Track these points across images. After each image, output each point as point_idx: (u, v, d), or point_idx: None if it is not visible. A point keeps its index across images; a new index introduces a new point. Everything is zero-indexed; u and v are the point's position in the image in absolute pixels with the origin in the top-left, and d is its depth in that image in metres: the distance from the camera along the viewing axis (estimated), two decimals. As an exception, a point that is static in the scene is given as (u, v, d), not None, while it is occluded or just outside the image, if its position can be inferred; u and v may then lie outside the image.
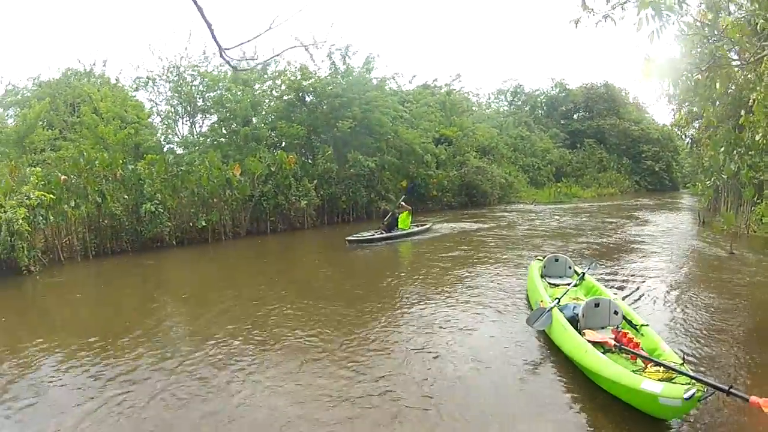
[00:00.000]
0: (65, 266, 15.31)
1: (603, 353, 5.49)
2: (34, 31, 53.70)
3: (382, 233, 18.25)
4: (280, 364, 6.82)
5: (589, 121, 51.11)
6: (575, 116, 52.64)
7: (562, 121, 50.93)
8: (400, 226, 18.89)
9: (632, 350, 5.51)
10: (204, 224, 18.99)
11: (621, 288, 10.08)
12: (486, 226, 21.82)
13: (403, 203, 19.55)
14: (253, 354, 7.21)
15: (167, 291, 12.53)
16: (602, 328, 6.24)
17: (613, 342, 5.65)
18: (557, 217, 25.06)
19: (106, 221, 17.14)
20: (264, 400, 5.73)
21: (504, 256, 14.30)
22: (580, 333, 6.02)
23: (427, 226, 20.37)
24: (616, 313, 6.32)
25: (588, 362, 5.48)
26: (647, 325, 6.18)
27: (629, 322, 6.29)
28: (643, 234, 18.98)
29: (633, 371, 5.07)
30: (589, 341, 5.72)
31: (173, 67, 24.77)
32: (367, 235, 18.09)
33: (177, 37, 51.96)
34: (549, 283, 8.59)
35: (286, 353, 7.19)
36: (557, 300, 6.95)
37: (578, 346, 5.72)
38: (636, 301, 9.15)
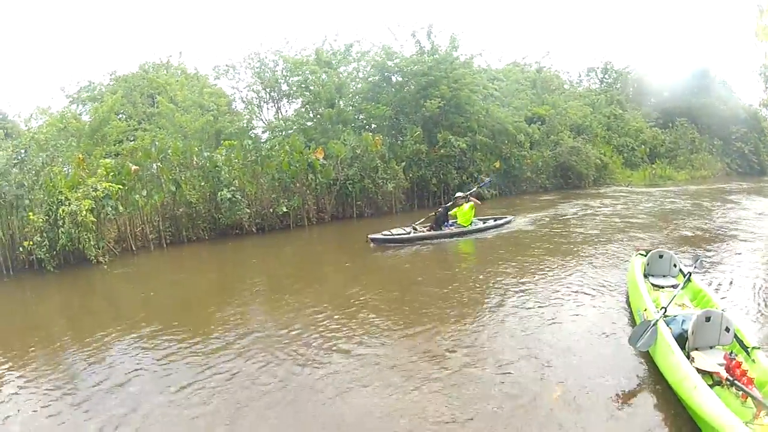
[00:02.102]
0: (137, 256, 15.01)
1: (711, 385, 4.72)
2: (111, 27, 54.49)
3: (419, 230, 14.50)
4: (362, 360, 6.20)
5: (680, 99, 46.82)
6: (665, 93, 48.57)
7: (653, 100, 47.03)
8: (459, 222, 14.96)
9: (744, 388, 4.64)
10: (285, 210, 17.82)
11: (728, 288, 8.62)
12: (586, 211, 19.09)
13: (470, 196, 15.51)
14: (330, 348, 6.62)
15: (243, 279, 11.82)
16: (711, 347, 5.41)
17: (725, 375, 4.81)
18: (659, 202, 21.90)
19: (181, 209, 16.75)
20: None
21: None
22: (687, 354, 5.22)
23: (506, 219, 15.95)
24: (727, 330, 5.38)
25: (695, 402, 4.52)
26: (759, 348, 5.28)
27: (740, 342, 5.40)
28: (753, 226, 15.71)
29: (745, 422, 4.14)
30: (698, 369, 4.89)
31: (254, 53, 23.81)
32: (399, 232, 14.28)
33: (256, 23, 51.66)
34: (652, 284, 7.59)
35: (368, 353, 6.44)
36: (663, 309, 6.00)
37: (685, 377, 4.80)
38: (744, 308, 7.65)
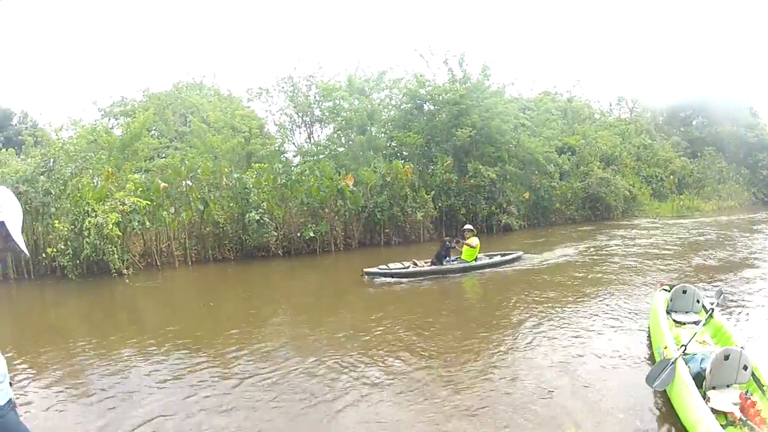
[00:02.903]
0: (161, 271, 15.14)
1: (725, 425, 4.70)
2: (145, 45, 55.19)
3: (419, 265, 13.30)
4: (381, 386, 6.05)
5: (708, 127, 46.16)
6: (694, 122, 47.96)
7: (682, 128, 46.40)
8: (463, 257, 13.72)
9: (756, 428, 4.65)
10: (312, 235, 17.69)
11: (750, 323, 8.36)
12: (613, 244, 18.41)
13: (472, 229, 14.17)
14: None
15: (266, 301, 11.67)
16: (728, 386, 5.28)
17: (738, 415, 4.77)
18: (687, 234, 21.24)
19: (208, 228, 16.86)
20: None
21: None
22: (704, 393, 5.09)
23: (515, 255, 14.81)
24: (745, 368, 5.27)
25: None
26: None
27: (757, 381, 5.27)
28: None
29: None
30: (712, 409, 4.79)
31: (287, 77, 23.82)
32: (396, 266, 13.17)
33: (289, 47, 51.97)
34: (674, 321, 7.44)
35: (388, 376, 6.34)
36: (683, 347, 5.82)
37: (700, 420, 4.67)
38: (764, 339, 7.48)
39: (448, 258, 13.64)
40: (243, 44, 60.74)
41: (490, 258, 14.32)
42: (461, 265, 13.56)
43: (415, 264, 13.38)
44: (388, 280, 12.50)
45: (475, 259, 13.76)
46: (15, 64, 49.32)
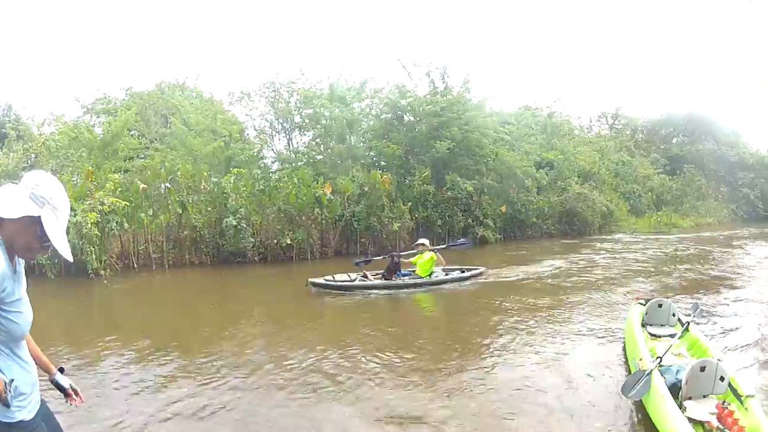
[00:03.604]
0: (138, 273, 15.13)
1: None
2: (130, 43, 54.84)
3: (369, 278, 12.52)
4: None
5: (689, 145, 46.75)
6: (674, 140, 48.53)
7: (662, 146, 46.91)
8: (418, 272, 12.76)
9: None
10: (289, 242, 17.64)
11: (726, 335, 8.42)
12: (587, 258, 18.39)
13: (426, 244, 13.23)
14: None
15: (241, 306, 11.62)
16: (704, 396, 5.31)
17: (716, 424, 4.83)
18: (663, 249, 21.42)
19: (186, 232, 16.85)
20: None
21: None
22: (680, 403, 5.08)
23: (478, 270, 13.83)
24: (722, 379, 5.31)
25: None
26: (753, 396, 5.18)
27: (734, 391, 5.30)
28: (754, 272, 15.35)
29: None
30: (689, 419, 4.85)
31: (269, 82, 23.81)
32: (342, 278, 12.44)
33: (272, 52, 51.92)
34: (650, 334, 7.38)
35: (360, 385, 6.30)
36: (659, 359, 5.79)
37: (677, 427, 4.72)
38: (741, 356, 7.46)
39: (399, 272, 12.78)
40: (227, 47, 60.45)
41: (446, 274, 13.35)
42: (414, 281, 12.65)
43: (366, 277, 12.62)
44: (334, 292, 11.99)
45: (430, 275, 12.83)
46: (3, 54, 48.78)
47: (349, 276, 12.57)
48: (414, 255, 13.16)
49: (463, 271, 13.65)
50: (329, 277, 12.25)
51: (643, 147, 45.13)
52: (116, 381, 6.33)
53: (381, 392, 6.06)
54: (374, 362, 7.07)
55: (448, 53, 58.38)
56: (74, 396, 2.74)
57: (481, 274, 13.80)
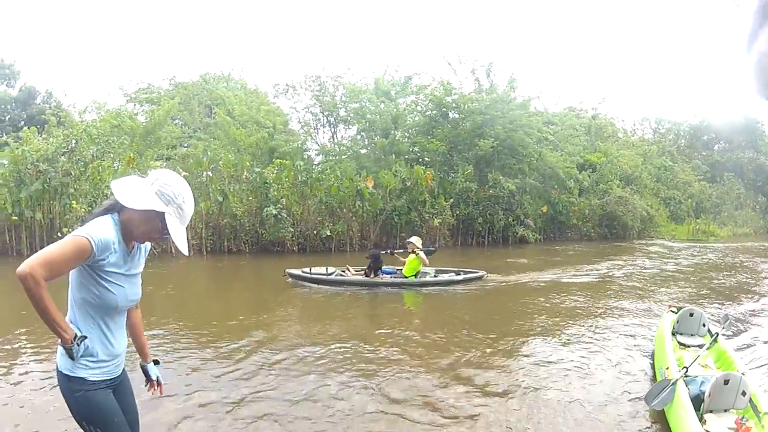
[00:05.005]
0: (176, 258, 15.03)
1: None
2: (175, 34, 55.51)
3: (351, 273, 12.11)
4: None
5: (729, 153, 45.83)
6: (716, 147, 47.57)
7: (704, 153, 46.00)
8: (404, 271, 11.98)
9: None
10: (329, 233, 17.76)
11: (755, 349, 8.05)
12: (627, 263, 17.81)
13: (414, 243, 12.00)
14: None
15: (276, 295, 11.21)
16: (725, 410, 5.24)
17: None
18: (699, 258, 20.81)
19: (225, 220, 17.00)
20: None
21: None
22: (701, 416, 5.02)
23: (477, 274, 12.71)
24: (744, 393, 5.22)
25: None
26: None
27: (754, 407, 5.21)
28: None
29: None
30: None
31: (315, 76, 23.87)
32: (319, 271, 11.94)
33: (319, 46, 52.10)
34: (679, 343, 7.31)
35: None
36: (685, 369, 5.75)
37: None
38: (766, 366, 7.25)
39: (383, 270, 12.06)
40: (273, 40, 61.02)
41: (436, 276, 12.56)
42: (396, 280, 11.86)
43: (347, 271, 12.23)
44: (312, 285, 11.52)
45: (416, 275, 12.03)
46: (43, 43, 49.81)
47: (326, 269, 12.10)
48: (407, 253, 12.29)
49: (459, 274, 12.65)
50: (306, 269, 11.89)
51: (685, 153, 44.29)
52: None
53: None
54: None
55: (494, 51, 58.11)
56: (155, 387, 2.87)
57: (480, 278, 12.68)
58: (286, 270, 11.89)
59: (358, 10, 62.94)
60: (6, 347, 6.64)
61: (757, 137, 46.62)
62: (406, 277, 11.94)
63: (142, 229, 2.38)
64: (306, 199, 18.07)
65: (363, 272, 12.00)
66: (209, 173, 17.41)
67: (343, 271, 12.19)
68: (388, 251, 12.81)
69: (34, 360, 6.22)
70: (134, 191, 2.34)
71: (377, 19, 63.18)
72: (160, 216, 2.33)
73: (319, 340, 7.38)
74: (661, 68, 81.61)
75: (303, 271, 11.74)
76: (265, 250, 17.15)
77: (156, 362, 2.85)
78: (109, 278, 2.33)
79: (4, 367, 6.01)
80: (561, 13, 77.13)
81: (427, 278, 12.27)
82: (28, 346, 6.67)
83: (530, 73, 63.42)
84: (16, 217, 14.91)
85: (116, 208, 2.38)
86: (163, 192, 2.34)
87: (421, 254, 11.92)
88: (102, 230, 2.27)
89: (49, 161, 15.00)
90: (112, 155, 16.96)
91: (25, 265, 2.08)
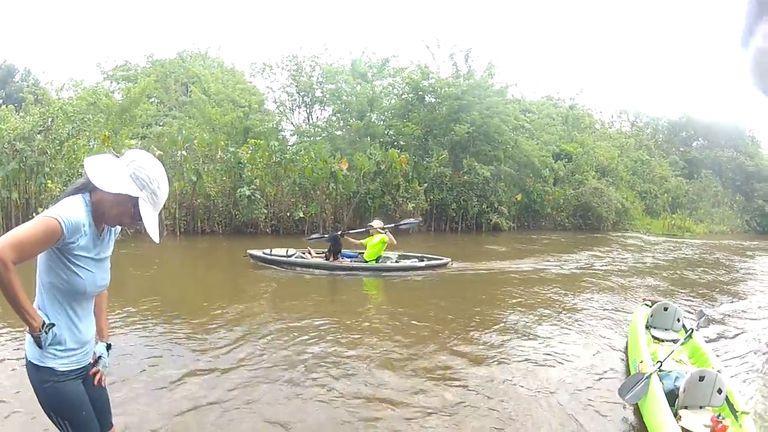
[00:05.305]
0: (148, 238, 14.45)
1: None
2: (152, 11, 54.86)
3: (312, 256, 11.82)
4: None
5: (708, 150, 46.06)
6: (694, 144, 47.94)
7: (681, 148, 46.33)
8: (366, 257, 11.68)
9: None
10: (302, 215, 17.73)
11: (729, 346, 8.13)
12: (600, 254, 18.15)
13: (387, 229, 11.82)
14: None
15: (248, 277, 10.95)
16: (701, 407, 5.25)
17: None
18: (676, 253, 20.89)
19: (199, 200, 16.91)
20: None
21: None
22: (675, 412, 5.02)
23: (441, 261, 12.39)
24: (719, 391, 5.23)
25: None
26: (748, 414, 5.04)
27: (730, 405, 5.21)
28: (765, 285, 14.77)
29: None
30: (683, 429, 4.75)
31: (292, 55, 23.70)
32: (279, 253, 11.77)
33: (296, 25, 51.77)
34: (653, 337, 7.29)
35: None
36: (659, 363, 5.71)
37: None
38: (742, 369, 7.20)
39: (341, 253, 11.84)
40: (250, 19, 60.49)
41: (397, 261, 12.27)
42: (356, 264, 11.58)
43: (308, 253, 11.95)
44: (274, 267, 11.34)
45: (377, 260, 11.72)
46: (21, 20, 48.99)
47: (286, 251, 11.89)
48: (365, 236, 12.13)
49: (422, 260, 12.36)
50: (267, 251, 11.70)
51: (663, 148, 44.55)
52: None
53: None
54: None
55: (473, 37, 58.10)
56: (97, 371, 2.64)
57: (445, 265, 12.33)
58: (248, 251, 11.75)
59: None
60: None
61: (738, 136, 46.99)
62: (367, 262, 11.61)
63: (114, 212, 2.30)
64: (280, 180, 18.03)
65: (324, 256, 11.71)
66: (184, 152, 17.24)
67: (304, 254, 11.93)
68: (339, 233, 12.19)
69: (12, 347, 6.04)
70: (108, 172, 2.24)
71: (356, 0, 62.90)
72: (134, 200, 2.26)
73: (278, 325, 7.27)
74: (642, 61, 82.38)
75: (264, 253, 11.56)
76: (239, 231, 17.11)
77: (108, 346, 2.70)
78: (78, 262, 2.25)
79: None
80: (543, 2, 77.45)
81: (389, 263, 11.93)
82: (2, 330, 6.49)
83: (508, 61, 63.56)
84: (-9, 197, 14.79)
85: (88, 188, 2.28)
86: (137, 175, 2.25)
87: (389, 234, 11.65)
88: (73, 211, 2.18)
89: (25, 140, 14.80)
90: (87, 133, 16.77)
91: None
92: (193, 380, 5.23)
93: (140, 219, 2.28)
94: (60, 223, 2.11)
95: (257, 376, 5.41)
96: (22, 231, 2.08)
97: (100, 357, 2.64)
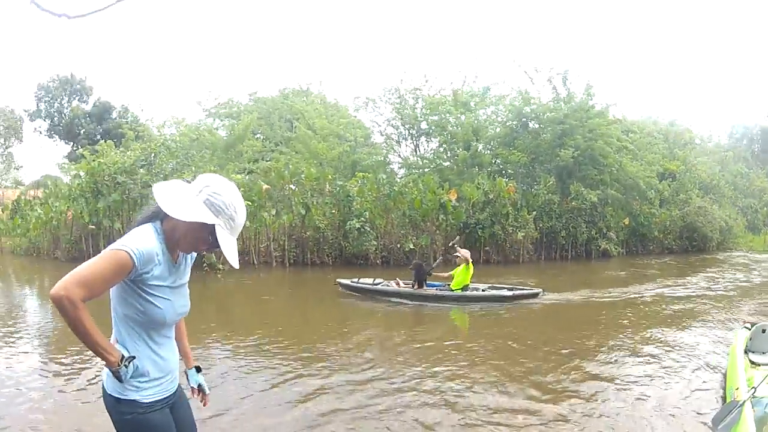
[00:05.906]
0: (257, 269, 15.75)
1: None
2: (254, 49, 56.73)
3: (401, 285, 11.72)
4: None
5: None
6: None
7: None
8: (452, 286, 11.46)
9: None
10: (412, 247, 17.77)
11: None
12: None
13: (458, 247, 11.97)
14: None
15: (358, 309, 11.14)
16: None
17: None
18: None
19: (308, 233, 17.31)
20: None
21: None
22: None
23: (532, 291, 11.94)
24: None
25: None
26: None
27: None
28: None
29: None
30: None
31: (394, 89, 24.03)
32: (366, 281, 12.02)
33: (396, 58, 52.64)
34: (751, 361, 6.62)
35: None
36: (753, 390, 5.24)
37: None
38: None
39: (428, 283, 11.72)
40: (349, 54, 61.93)
41: (483, 290, 11.77)
42: (442, 293, 11.45)
43: (395, 282, 11.95)
44: (359, 295, 11.79)
45: (463, 289, 11.44)
46: (118, 59, 51.55)
47: (373, 280, 12.24)
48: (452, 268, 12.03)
49: (512, 290, 11.92)
50: (354, 279, 12.10)
51: (760, 158, 42.61)
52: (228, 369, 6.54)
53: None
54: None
55: (569, 58, 57.60)
56: (197, 394, 2.68)
57: (535, 296, 11.78)
58: (337, 279, 12.34)
59: (434, 20, 63.59)
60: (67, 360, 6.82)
61: None
62: (453, 290, 11.44)
63: (189, 239, 2.20)
64: (389, 212, 18.20)
65: (412, 285, 11.64)
66: (292, 186, 17.63)
67: (389, 283, 12.09)
68: (426, 269, 11.97)
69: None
70: (180, 199, 2.14)
71: (454, 30, 63.77)
72: (209, 227, 2.13)
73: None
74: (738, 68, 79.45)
75: (352, 281, 12.01)
76: (349, 262, 17.29)
77: (198, 369, 2.68)
78: (153, 292, 2.16)
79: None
80: (638, 21, 76.12)
81: (477, 293, 11.61)
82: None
83: (606, 80, 62.33)
84: (93, 226, 15.65)
85: (159, 216, 2.20)
86: (212, 202, 2.13)
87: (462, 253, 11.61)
88: (143, 241, 2.09)
89: (127, 173, 15.62)
90: (192, 168, 17.39)
91: (60, 287, 1.92)
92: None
93: (218, 246, 2.14)
94: (130, 254, 2.02)
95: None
96: (90, 266, 2.00)
97: (200, 385, 2.65)
